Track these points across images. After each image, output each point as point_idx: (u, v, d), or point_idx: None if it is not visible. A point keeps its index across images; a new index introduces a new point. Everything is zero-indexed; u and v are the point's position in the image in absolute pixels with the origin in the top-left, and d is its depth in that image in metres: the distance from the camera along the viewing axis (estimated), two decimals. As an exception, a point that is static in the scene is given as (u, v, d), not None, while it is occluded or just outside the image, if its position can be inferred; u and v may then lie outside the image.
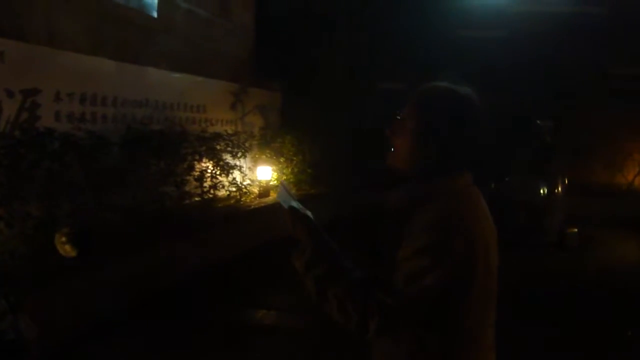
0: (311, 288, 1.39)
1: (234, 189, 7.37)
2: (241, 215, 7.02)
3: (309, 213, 1.52)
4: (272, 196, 8.24)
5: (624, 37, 9.67)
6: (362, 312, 1.29)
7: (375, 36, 10.82)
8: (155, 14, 7.07)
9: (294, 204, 1.51)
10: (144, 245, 5.11)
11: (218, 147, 7.17)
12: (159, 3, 7.08)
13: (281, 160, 8.71)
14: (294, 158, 8.95)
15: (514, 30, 10.22)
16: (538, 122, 8.06)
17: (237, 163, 7.51)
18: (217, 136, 7.24)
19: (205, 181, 6.87)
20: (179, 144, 6.39)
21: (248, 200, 7.67)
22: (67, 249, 4.16)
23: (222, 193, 7.22)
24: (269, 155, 8.52)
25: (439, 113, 1.43)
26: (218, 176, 7.05)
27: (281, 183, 1.61)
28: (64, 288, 4.11)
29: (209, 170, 6.95)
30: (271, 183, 8.40)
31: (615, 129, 10.08)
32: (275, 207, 6.49)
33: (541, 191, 7.40)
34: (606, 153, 10.26)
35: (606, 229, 8.26)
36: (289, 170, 8.80)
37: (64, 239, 4.35)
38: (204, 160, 6.87)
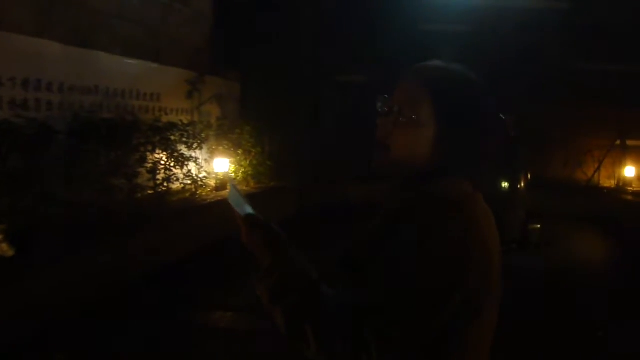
0: (280, 321, 1.10)
1: (189, 182, 7.05)
2: (197, 209, 6.73)
3: (271, 224, 1.23)
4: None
5: (588, 33, 9.69)
6: (354, 348, 1.01)
7: (337, 28, 10.60)
8: (108, -3, 6.69)
9: (249, 209, 1.23)
10: (91, 243, 4.78)
11: (172, 137, 6.84)
12: (112, -15, 6.71)
13: (239, 152, 8.42)
14: (253, 150, 8.67)
15: (479, 25, 10.15)
16: (501, 116, 7.98)
17: (193, 155, 7.19)
18: (172, 126, 6.90)
19: (159, 173, 6.54)
20: (130, 134, 6.05)
21: (204, 194, 7.37)
22: (3, 248, 3.83)
23: (176, 186, 6.89)
24: (226, 147, 8.22)
25: (459, 100, 1.18)
26: (172, 168, 6.73)
27: (230, 184, 1.34)
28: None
29: (163, 162, 6.62)
30: (229, 175, 8.12)
31: (576, 125, 10.13)
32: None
33: (503, 186, 7.32)
34: (567, 149, 10.31)
35: (567, 225, 8.26)
36: (247, 162, 8.52)
37: (0, 237, 4.02)
38: (157, 151, 6.54)
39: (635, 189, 9.82)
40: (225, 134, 8.37)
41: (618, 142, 9.84)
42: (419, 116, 1.17)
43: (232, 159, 8.22)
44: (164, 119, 7.16)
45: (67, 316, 4.07)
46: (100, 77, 6.38)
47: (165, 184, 6.61)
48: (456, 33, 10.34)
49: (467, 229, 1.11)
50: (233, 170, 8.25)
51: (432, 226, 1.10)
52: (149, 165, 6.37)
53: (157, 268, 5.39)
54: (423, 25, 10.26)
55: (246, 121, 8.79)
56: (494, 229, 1.21)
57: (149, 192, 6.45)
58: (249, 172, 8.55)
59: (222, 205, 7.05)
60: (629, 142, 9.82)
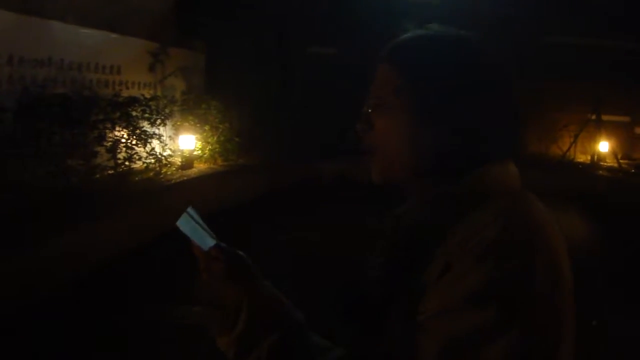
0: None
1: (152, 161, 6.64)
2: (160, 190, 6.33)
3: (242, 255, 1.00)
4: (196, 168, 7.58)
5: (559, 5, 9.49)
6: None
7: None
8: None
9: (211, 239, 0.98)
10: (43, 229, 4.38)
11: (134, 113, 6.43)
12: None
13: (206, 128, 8.00)
14: (220, 126, 8.25)
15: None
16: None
17: (156, 131, 6.78)
18: (133, 101, 6.49)
19: (119, 152, 6.13)
20: (87, 110, 5.62)
21: (169, 173, 6.97)
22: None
23: (138, 165, 6.48)
24: (192, 123, 7.81)
25: (447, 71, 0.89)
26: (134, 146, 6.32)
27: (187, 212, 1.03)
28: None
29: (124, 140, 6.21)
30: (195, 153, 7.73)
31: (551, 100, 9.98)
32: (200, 180, 5.80)
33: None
34: (541, 124, 10.15)
35: (544, 201, 8.11)
36: (215, 139, 8.12)
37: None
38: (117, 128, 6.13)
39: (609, 164, 9.75)
40: (190, 109, 7.94)
41: (593, 116, 9.72)
42: (396, 104, 0.92)
43: (198, 136, 7.81)
44: (125, 93, 6.74)
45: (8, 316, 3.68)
46: (54, 49, 5.92)
47: (127, 164, 6.21)
48: (428, 4, 10.05)
49: (516, 232, 0.79)
50: (199, 147, 7.85)
51: (469, 235, 0.79)
52: (109, 144, 5.96)
53: (118, 256, 5.01)
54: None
55: (213, 95, 8.36)
56: (557, 230, 0.89)
57: (110, 172, 6.05)
58: (217, 149, 8.15)
59: (187, 186, 6.70)
60: (604, 117, 9.71)
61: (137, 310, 4.16)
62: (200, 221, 1.01)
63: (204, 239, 0.98)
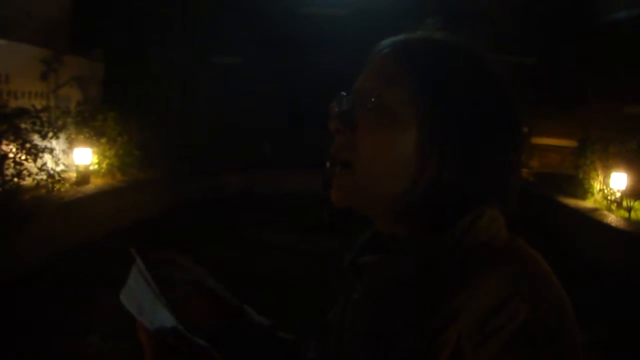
0: None
1: (44, 177, 6.18)
2: (52, 208, 5.90)
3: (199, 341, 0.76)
4: (93, 183, 7.16)
5: (459, 19, 9.83)
6: None
7: (210, 6, 9.99)
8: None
9: (161, 315, 0.76)
10: None
11: (23, 125, 5.96)
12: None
13: (102, 142, 7.58)
14: (119, 138, 7.85)
15: (356, 9, 10.02)
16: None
17: (48, 145, 6.32)
18: (22, 112, 6.01)
19: (7, 168, 5.65)
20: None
21: (63, 190, 6.52)
22: None
23: (28, 182, 6.00)
24: (88, 135, 7.37)
25: (476, 94, 0.75)
26: (23, 162, 5.85)
27: (134, 266, 0.80)
28: None
29: (11, 155, 5.73)
30: (91, 168, 7.29)
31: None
32: (96, 197, 5.44)
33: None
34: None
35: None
36: (113, 152, 7.71)
37: None
38: (4, 142, 5.65)
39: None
40: (86, 121, 7.49)
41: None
42: (402, 111, 0.74)
43: (95, 149, 7.38)
44: (13, 104, 6.23)
45: None
46: None
47: (15, 180, 5.73)
48: (333, 17, 10.15)
49: (543, 317, 0.66)
50: (96, 161, 7.42)
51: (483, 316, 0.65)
52: (-6, 159, 5.49)
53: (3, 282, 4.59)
54: (303, 8, 9.98)
55: (110, 106, 7.93)
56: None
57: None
58: (115, 163, 7.74)
59: (83, 203, 6.30)
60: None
61: (26, 341, 3.82)
62: (149, 282, 0.79)
63: (151, 312, 0.76)
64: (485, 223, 0.74)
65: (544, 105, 10.02)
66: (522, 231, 0.77)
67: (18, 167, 5.77)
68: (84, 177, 7.05)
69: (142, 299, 0.76)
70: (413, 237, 0.76)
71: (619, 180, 7.02)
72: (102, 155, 7.57)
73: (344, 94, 0.81)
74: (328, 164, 0.80)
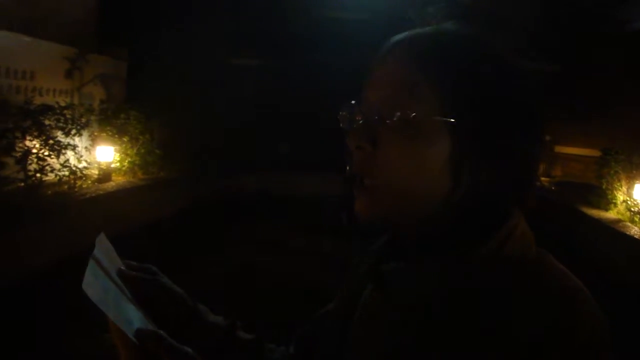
0: None
1: (66, 173, 6.25)
2: (74, 204, 5.95)
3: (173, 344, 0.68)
4: (114, 181, 7.22)
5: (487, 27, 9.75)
6: None
7: (234, 7, 10.04)
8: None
9: (133, 315, 0.71)
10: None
11: (47, 122, 6.04)
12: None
13: (125, 140, 7.65)
14: (141, 137, 7.91)
15: (375, 13, 9.99)
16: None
17: (71, 142, 6.40)
18: (46, 109, 6.09)
19: (30, 164, 5.73)
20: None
21: (84, 186, 6.59)
22: None
23: (51, 178, 6.08)
24: (110, 133, 7.44)
25: (495, 87, 0.70)
26: (47, 157, 5.92)
27: (93, 256, 0.75)
28: None
29: (35, 151, 5.81)
30: (113, 165, 7.36)
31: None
32: (118, 194, 5.47)
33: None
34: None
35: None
36: (134, 151, 7.77)
37: None
38: (28, 137, 5.73)
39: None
40: (109, 119, 7.57)
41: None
42: (420, 115, 0.69)
43: (117, 147, 7.45)
44: (38, 100, 6.31)
45: None
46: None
47: (38, 176, 5.80)
48: (349, 21, 10.14)
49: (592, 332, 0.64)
50: (118, 159, 7.49)
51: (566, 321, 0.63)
52: (18, 154, 5.56)
53: (17, 280, 4.60)
54: (323, 11, 9.98)
55: (133, 105, 8.00)
56: None
57: (21, 184, 5.63)
58: (136, 162, 7.80)
59: (104, 200, 6.36)
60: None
61: (44, 343, 3.84)
62: (113, 265, 0.75)
63: (122, 310, 0.71)
64: (520, 234, 0.71)
65: (567, 113, 9.90)
66: (541, 241, 0.75)
67: (41, 162, 5.85)
68: (105, 175, 7.12)
69: (104, 291, 0.71)
70: (446, 248, 0.71)
71: (643, 192, 6.91)
72: (124, 153, 7.64)
73: (354, 102, 0.76)
74: (348, 174, 0.76)
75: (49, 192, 5.96)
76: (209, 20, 9.66)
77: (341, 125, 0.77)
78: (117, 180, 7.31)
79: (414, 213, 0.72)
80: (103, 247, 0.77)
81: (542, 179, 9.88)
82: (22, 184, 5.62)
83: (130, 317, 0.71)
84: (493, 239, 0.69)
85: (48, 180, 6.03)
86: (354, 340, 0.77)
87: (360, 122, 0.74)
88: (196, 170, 8.62)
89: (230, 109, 9.90)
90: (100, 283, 0.71)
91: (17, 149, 5.57)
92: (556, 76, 10.15)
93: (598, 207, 7.77)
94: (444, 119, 0.69)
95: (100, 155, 7.14)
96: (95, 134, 7.32)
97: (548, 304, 0.63)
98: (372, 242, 0.85)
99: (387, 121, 0.70)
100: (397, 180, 0.70)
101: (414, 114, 0.68)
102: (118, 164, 7.53)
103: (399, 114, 0.69)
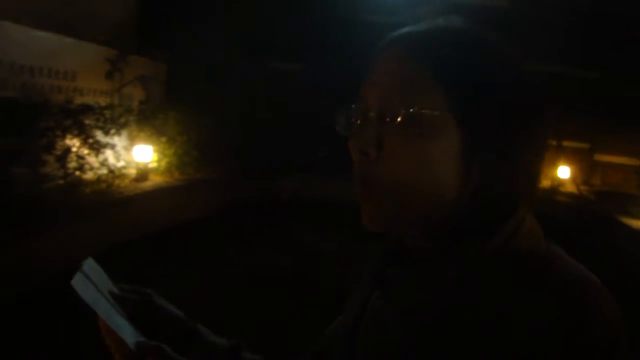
0: None
1: (105, 172, 6.35)
2: (111, 203, 6.04)
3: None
4: (151, 180, 7.31)
5: (521, 29, 9.60)
6: None
7: (275, 11, 10.08)
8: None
9: (125, 328, 0.72)
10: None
11: (87, 121, 6.15)
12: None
13: (162, 140, 7.74)
14: (178, 137, 8.00)
15: (416, 18, 9.89)
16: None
17: (110, 141, 6.51)
18: (87, 109, 6.20)
19: (70, 162, 5.83)
20: (34, 116, 5.33)
21: (122, 185, 6.69)
22: None
23: (90, 176, 6.18)
24: (148, 134, 7.54)
25: (494, 78, 0.68)
26: (86, 156, 6.03)
27: (82, 270, 0.75)
28: None
29: (74, 149, 5.92)
30: (151, 165, 7.46)
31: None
32: (154, 194, 5.54)
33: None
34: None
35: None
36: (172, 151, 7.86)
37: None
38: (68, 136, 5.84)
39: (569, 190, 9.83)
40: (147, 120, 7.67)
41: (554, 142, 9.80)
42: (425, 112, 0.67)
43: (155, 147, 7.55)
44: (79, 100, 6.44)
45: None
46: (5, 50, 5.60)
47: (77, 174, 5.91)
48: (396, 25, 10.04)
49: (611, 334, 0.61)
50: (156, 159, 7.58)
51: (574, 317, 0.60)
52: (58, 152, 5.67)
53: (60, 275, 4.67)
54: (363, 15, 9.93)
55: (171, 106, 8.10)
56: None
57: (59, 182, 5.74)
58: (173, 162, 7.89)
59: (141, 199, 6.44)
60: (564, 143, 9.81)
61: (84, 330, 3.89)
62: (104, 286, 0.75)
63: (115, 320, 0.71)
64: (528, 229, 0.69)
65: (607, 121, 9.66)
66: (577, 249, 0.72)
67: (80, 161, 5.95)
68: (143, 174, 7.21)
69: (94, 297, 0.71)
70: (452, 246, 0.69)
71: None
72: (161, 153, 7.73)
73: (353, 106, 0.74)
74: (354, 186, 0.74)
75: (88, 190, 6.06)
76: (247, 23, 9.73)
77: (339, 130, 0.75)
78: (155, 180, 7.40)
79: (422, 215, 0.69)
80: (92, 270, 0.77)
81: (581, 187, 9.76)
82: (62, 182, 5.72)
83: (122, 326, 0.71)
84: (499, 234, 0.67)
85: (87, 178, 6.13)
86: (361, 347, 0.76)
87: (360, 124, 0.71)
88: (232, 171, 8.67)
89: (268, 111, 9.95)
90: (91, 290, 0.71)
91: (58, 147, 5.68)
92: (596, 83, 9.93)
93: (638, 218, 7.55)
94: (450, 112, 0.66)
95: (138, 155, 7.24)
96: (134, 134, 7.42)
97: (551, 299, 0.61)
98: (379, 247, 0.83)
99: (388, 119, 0.68)
100: (405, 182, 0.67)
101: (418, 109, 0.66)
102: (155, 164, 7.62)
103: (402, 111, 0.67)
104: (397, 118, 0.67)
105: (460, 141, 0.67)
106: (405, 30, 0.74)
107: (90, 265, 0.77)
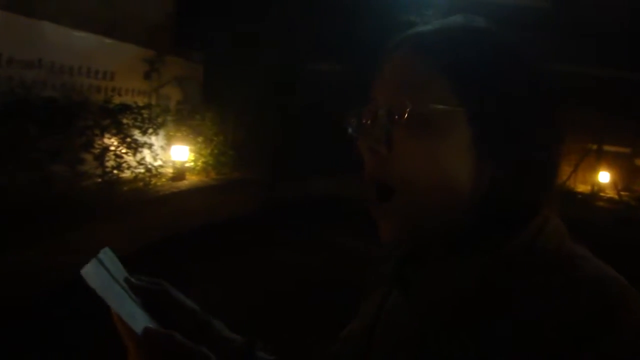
0: None
1: (142, 170, 6.41)
2: (148, 201, 6.09)
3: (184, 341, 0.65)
4: (188, 180, 7.36)
5: (570, 33, 9.37)
6: None
7: (311, 13, 10.06)
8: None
9: (138, 315, 0.68)
10: (25, 238, 4.14)
11: (125, 120, 6.22)
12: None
13: (199, 140, 7.79)
14: (215, 138, 8.05)
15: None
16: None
17: (148, 140, 6.57)
18: (125, 108, 6.28)
19: (108, 160, 5.91)
20: (74, 115, 5.41)
21: (159, 184, 6.74)
22: None
23: (127, 174, 6.25)
24: (185, 133, 7.60)
25: (504, 75, 0.66)
26: (124, 155, 6.10)
27: (97, 258, 0.72)
28: None
29: (113, 148, 5.99)
30: (187, 165, 7.51)
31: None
32: (191, 193, 5.56)
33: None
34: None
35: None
36: (208, 151, 7.90)
37: None
38: (106, 135, 5.92)
39: (609, 195, 9.56)
40: (184, 120, 7.74)
41: (594, 146, 9.56)
42: (435, 110, 0.65)
43: (192, 147, 7.61)
44: (117, 100, 6.52)
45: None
46: (46, 50, 5.72)
47: (115, 172, 5.98)
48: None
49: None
50: (192, 159, 7.63)
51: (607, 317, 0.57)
52: (97, 151, 5.75)
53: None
54: (407, 15, 9.83)
55: (208, 107, 8.16)
56: None
57: (97, 180, 5.82)
58: (210, 162, 7.94)
59: (177, 198, 6.48)
60: (605, 148, 9.55)
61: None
62: (120, 274, 0.73)
63: (127, 307, 0.68)
64: (553, 228, 0.67)
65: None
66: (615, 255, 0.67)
67: (118, 159, 6.03)
68: (179, 173, 7.26)
69: (106, 285, 0.68)
70: (473, 245, 0.66)
71: None
72: (198, 153, 7.78)
73: (362, 108, 0.73)
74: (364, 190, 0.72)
75: (125, 188, 6.13)
76: (285, 24, 9.73)
77: (349, 131, 0.74)
78: (191, 179, 7.45)
79: (439, 216, 0.67)
80: (108, 258, 0.75)
81: (622, 192, 9.47)
82: (100, 180, 5.80)
83: (134, 313, 0.68)
84: (525, 232, 0.65)
85: (124, 177, 6.20)
86: (378, 347, 0.75)
87: (369, 123, 0.71)
88: (268, 172, 8.68)
89: (304, 112, 9.93)
90: (103, 278, 0.69)
91: (96, 145, 5.76)
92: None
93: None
94: (460, 107, 0.65)
95: (175, 155, 7.30)
96: (171, 133, 7.49)
97: (581, 299, 0.58)
98: (396, 247, 0.81)
99: (397, 116, 0.66)
100: (418, 180, 0.66)
101: (426, 105, 0.65)
102: (192, 164, 7.67)
103: (411, 108, 0.65)
104: (406, 115, 0.65)
105: (470, 137, 0.65)
106: (414, 29, 0.73)
107: (106, 253, 0.75)
